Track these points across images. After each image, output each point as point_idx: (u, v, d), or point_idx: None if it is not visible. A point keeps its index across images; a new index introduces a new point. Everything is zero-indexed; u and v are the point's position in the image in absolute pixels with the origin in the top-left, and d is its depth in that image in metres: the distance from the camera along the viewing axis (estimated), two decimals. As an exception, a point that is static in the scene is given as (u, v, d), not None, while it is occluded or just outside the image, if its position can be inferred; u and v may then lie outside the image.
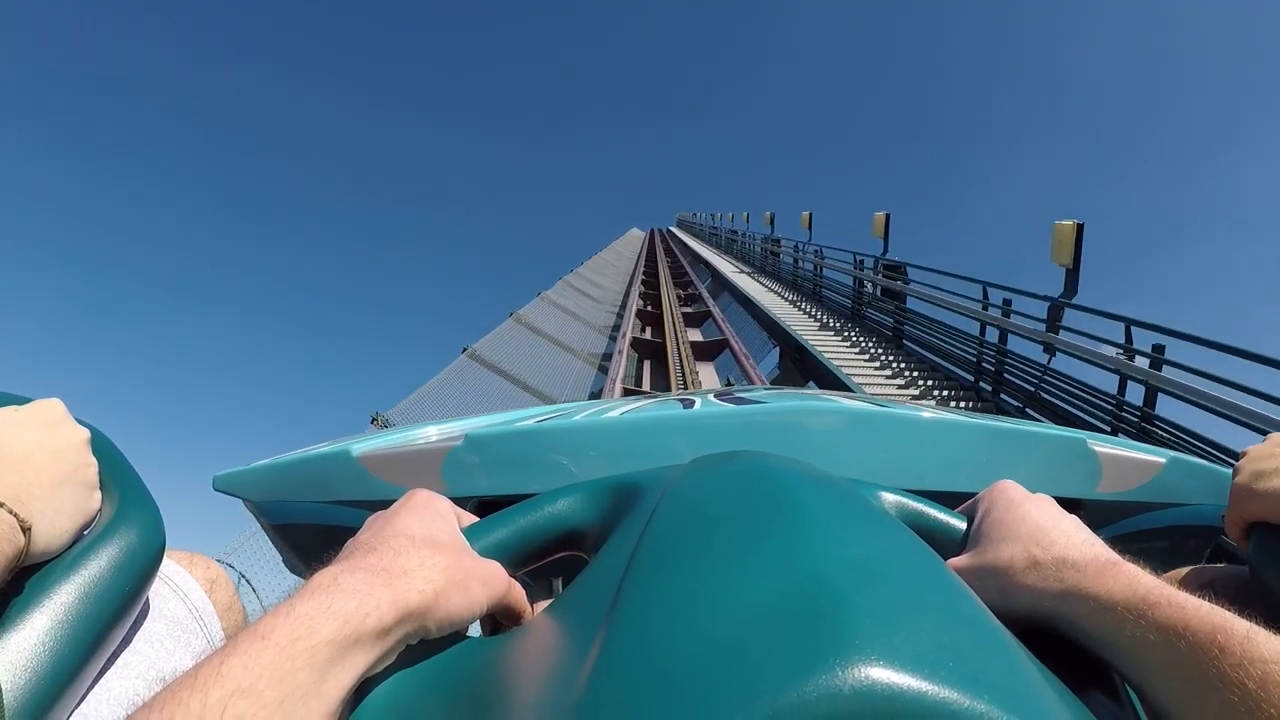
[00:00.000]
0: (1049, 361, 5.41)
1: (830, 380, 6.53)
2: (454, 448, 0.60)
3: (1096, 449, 0.63)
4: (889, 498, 0.40)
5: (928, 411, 0.68)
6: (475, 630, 0.35)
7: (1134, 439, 3.66)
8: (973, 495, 0.42)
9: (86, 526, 0.40)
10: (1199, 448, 3.90)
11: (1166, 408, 4.32)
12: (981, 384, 6.16)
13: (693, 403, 0.72)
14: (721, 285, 15.35)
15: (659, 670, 0.21)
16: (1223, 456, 3.82)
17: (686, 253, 22.84)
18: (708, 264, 18.69)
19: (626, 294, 15.27)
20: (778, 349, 9.47)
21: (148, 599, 0.46)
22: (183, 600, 0.49)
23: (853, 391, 5.93)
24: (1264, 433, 1.88)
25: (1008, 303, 6.02)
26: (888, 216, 8.68)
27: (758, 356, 9.27)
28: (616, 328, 11.79)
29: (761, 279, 14.53)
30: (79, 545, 0.39)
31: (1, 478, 0.35)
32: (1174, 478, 0.64)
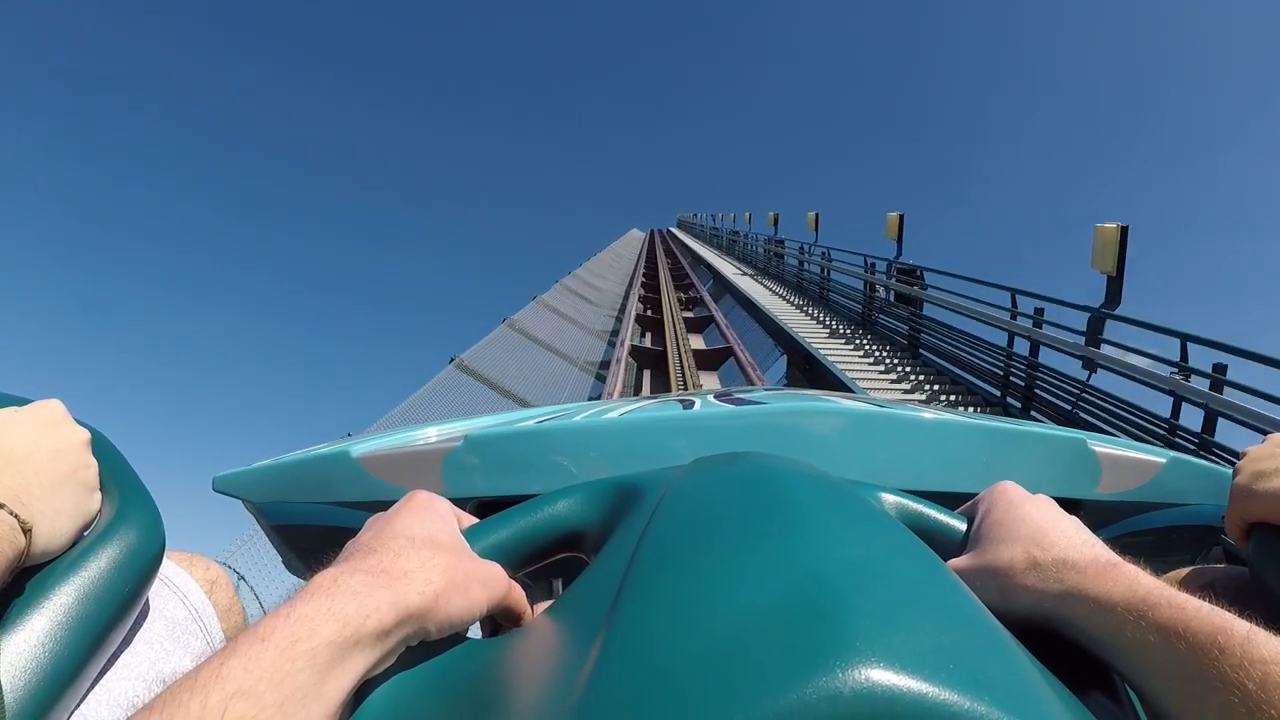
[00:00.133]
0: (1088, 378, 4.94)
1: (842, 391, 6.07)
2: (454, 448, 0.60)
3: (1096, 449, 0.62)
4: (889, 499, 0.40)
5: (928, 412, 0.68)
6: (475, 631, 0.35)
7: None
8: (973, 496, 0.42)
9: (86, 527, 0.40)
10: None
11: (1227, 433, 3.85)
12: (1009, 399, 5.70)
13: (693, 403, 0.71)
14: (724, 288, 14.91)
15: (659, 671, 0.21)
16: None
17: (687, 254, 22.41)
18: (709, 266, 18.25)
19: (626, 297, 14.79)
20: (785, 357, 9.00)
21: (147, 600, 0.45)
22: (182, 601, 0.49)
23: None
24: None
25: (1040, 312, 5.54)
26: (901, 217, 8.21)
27: (764, 364, 8.80)
28: (615, 333, 11.31)
29: (765, 281, 14.07)
30: (79, 546, 0.39)
31: (1, 479, 0.35)
32: (1174, 478, 0.63)
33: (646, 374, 9.16)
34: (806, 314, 10.24)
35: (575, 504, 0.40)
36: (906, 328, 7.71)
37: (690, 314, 12.74)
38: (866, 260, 9.13)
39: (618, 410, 0.70)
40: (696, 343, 10.26)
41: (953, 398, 6.13)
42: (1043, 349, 5.47)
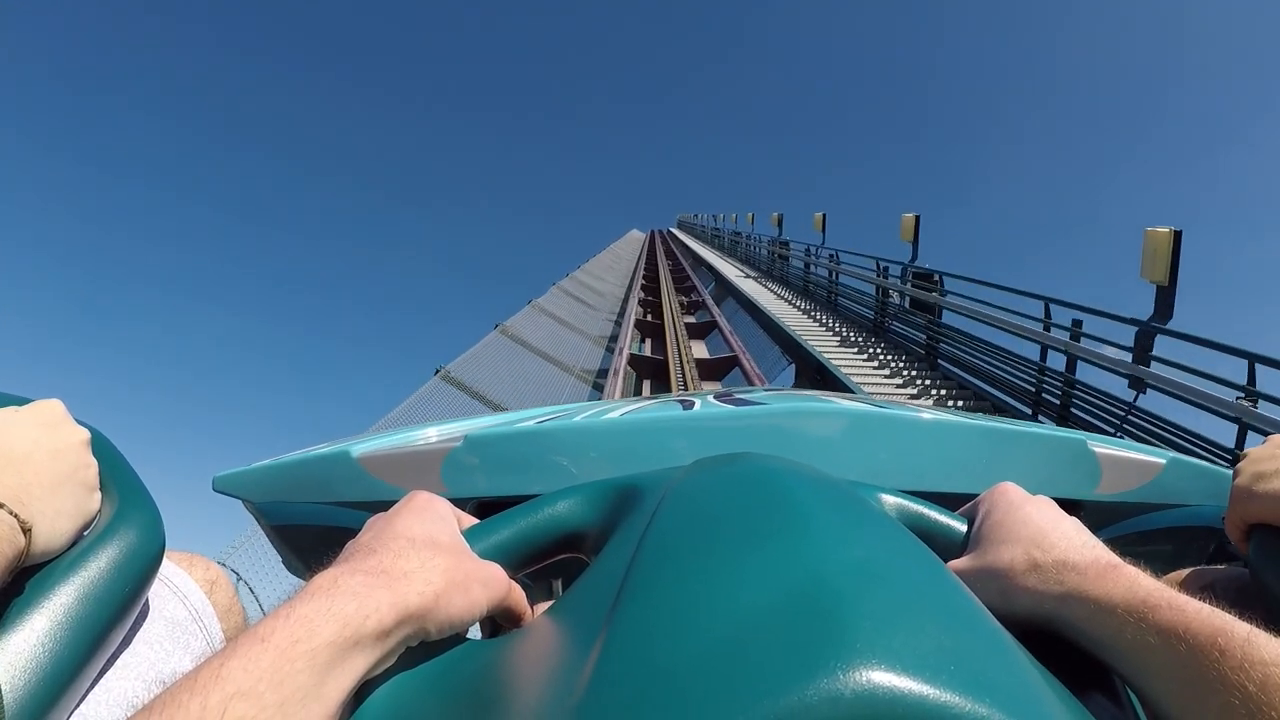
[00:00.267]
0: (1135, 399, 4.46)
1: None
2: (454, 449, 0.60)
3: (1096, 450, 0.62)
4: (889, 500, 0.39)
5: (927, 413, 0.68)
6: (475, 632, 0.35)
7: None
8: (973, 496, 0.42)
9: (86, 527, 0.40)
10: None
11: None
12: (1041, 417, 5.22)
13: (692, 404, 0.71)
14: (726, 290, 14.45)
15: (660, 673, 0.21)
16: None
17: (688, 255, 21.98)
18: (710, 267, 17.80)
19: (625, 299, 14.31)
20: (793, 365, 8.52)
21: (147, 600, 0.45)
22: (182, 601, 0.49)
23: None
24: None
25: (1078, 324, 5.06)
26: (917, 219, 7.72)
27: (770, 374, 8.34)
28: (614, 338, 10.82)
29: (769, 284, 13.58)
30: (79, 546, 0.39)
31: (2, 479, 0.35)
32: (1174, 479, 0.63)
33: (646, 384, 8.69)
34: (814, 319, 9.74)
35: (575, 505, 0.39)
36: (924, 336, 7.23)
37: (692, 318, 12.29)
38: (879, 264, 8.64)
39: (618, 410, 0.70)
40: (699, 350, 9.81)
41: (976, 413, 5.66)
42: (1080, 364, 4.99)
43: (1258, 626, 0.24)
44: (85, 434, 0.42)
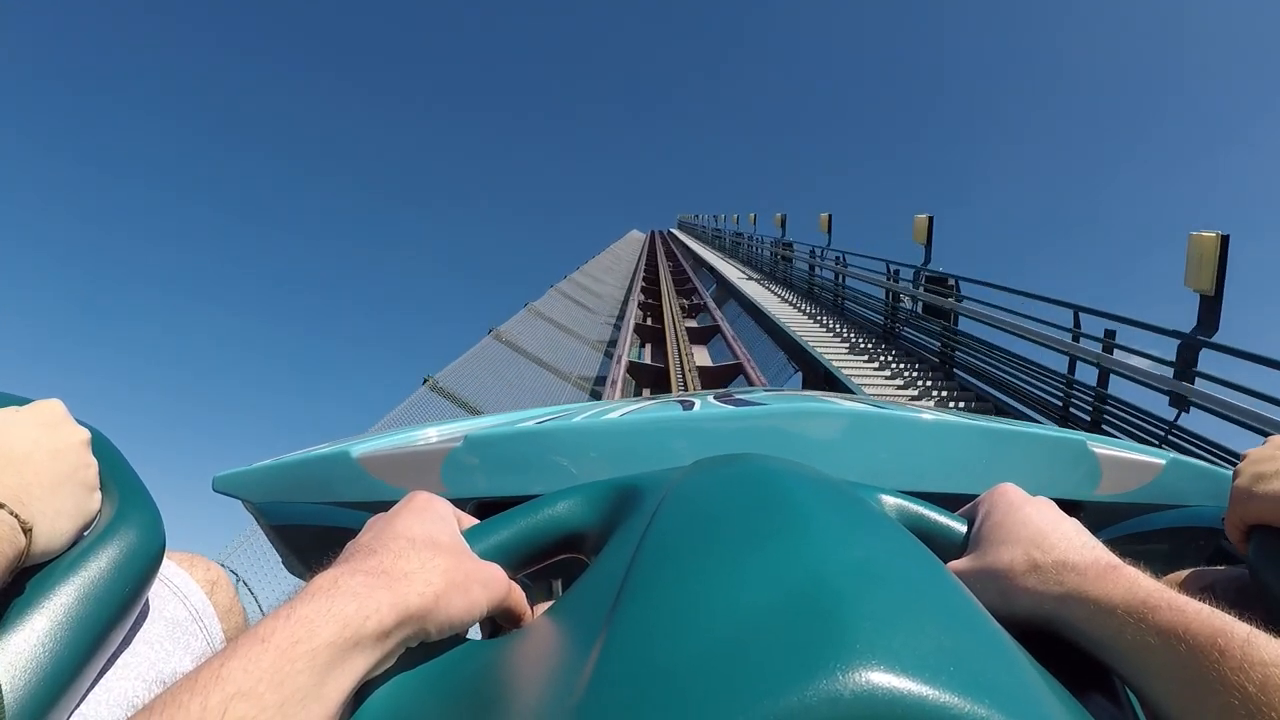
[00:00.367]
0: (1177, 417, 4.11)
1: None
2: (454, 449, 0.60)
3: (1096, 450, 0.62)
4: (889, 500, 0.39)
5: (927, 413, 0.68)
6: (476, 632, 0.35)
7: None
8: (973, 497, 0.42)
9: (86, 527, 0.40)
10: None
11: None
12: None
13: (693, 404, 0.71)
14: (728, 292, 14.09)
15: (659, 673, 0.21)
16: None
17: (689, 256, 21.64)
18: (712, 269, 17.43)
19: (625, 302, 13.92)
20: (799, 374, 8.16)
21: (148, 600, 0.45)
22: (183, 602, 0.49)
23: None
24: None
25: (1111, 335, 4.71)
26: (931, 220, 7.37)
27: (776, 381, 7.99)
28: (613, 344, 10.46)
29: (772, 286, 13.19)
30: (79, 546, 0.39)
31: (2, 479, 0.35)
32: (1174, 479, 0.63)
33: (646, 393, 8.33)
34: (820, 324, 9.33)
35: (575, 505, 0.39)
36: (939, 344, 6.87)
37: (694, 322, 11.88)
38: (889, 266, 8.28)
39: (618, 411, 0.69)
40: (701, 357, 9.42)
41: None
42: (1112, 378, 4.64)
43: (1257, 627, 0.24)
44: (85, 434, 0.42)
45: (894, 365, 7.03)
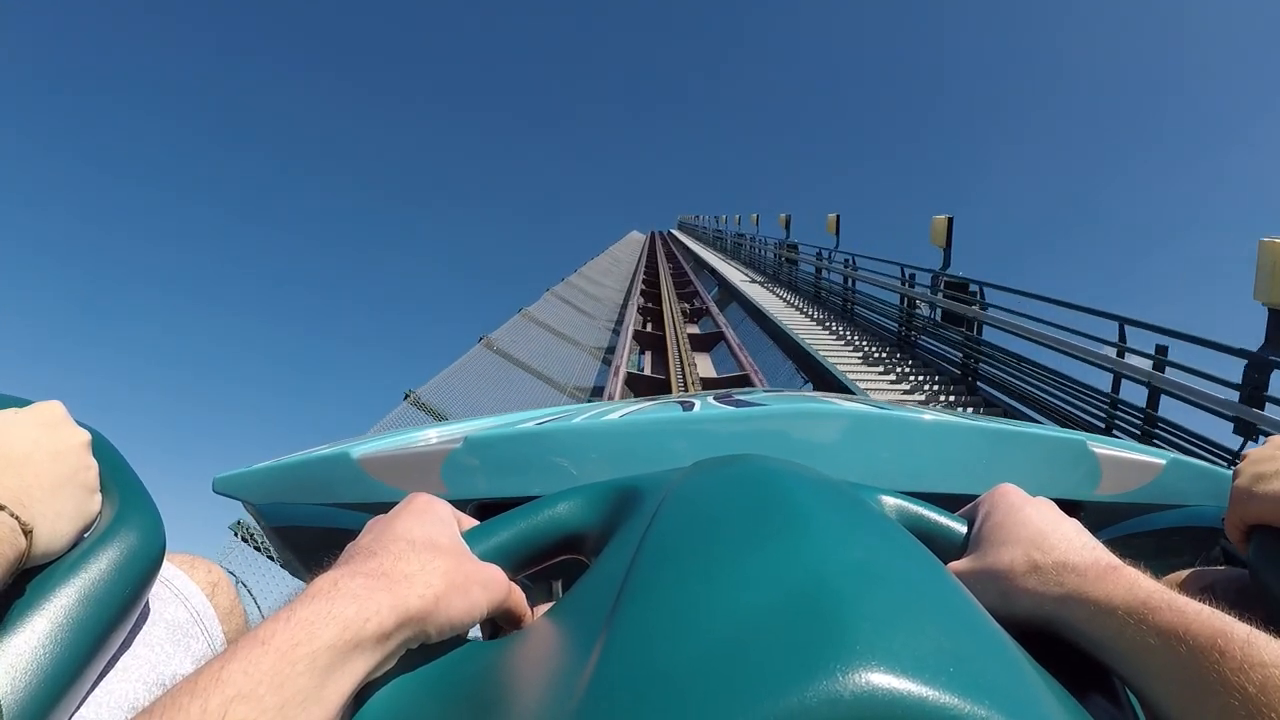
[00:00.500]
0: (1243, 446, 3.63)
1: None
2: (453, 450, 0.59)
3: (1096, 450, 0.62)
4: (889, 501, 0.39)
5: (927, 413, 0.68)
6: (476, 634, 0.35)
7: None
8: (973, 497, 0.42)
9: (87, 529, 0.40)
10: None
11: None
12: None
13: (692, 405, 0.70)
14: (730, 295, 13.57)
15: (660, 674, 0.21)
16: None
17: (689, 257, 21.19)
18: (713, 271, 16.93)
19: (624, 306, 13.42)
20: (809, 385, 7.69)
21: (148, 602, 0.45)
22: (184, 604, 0.49)
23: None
24: None
25: (1163, 351, 4.24)
26: (950, 221, 6.90)
27: (785, 394, 7.44)
28: (612, 349, 9.99)
29: (776, 290, 12.70)
30: (79, 548, 0.39)
31: (2, 480, 0.35)
32: (1174, 479, 0.63)
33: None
34: (829, 330, 8.82)
35: (575, 506, 0.39)
36: (960, 355, 6.40)
37: (696, 328, 11.36)
38: (904, 270, 7.81)
39: (618, 412, 0.69)
40: (705, 366, 8.90)
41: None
42: (1163, 398, 4.17)
43: (1258, 628, 0.24)
44: (86, 436, 0.42)
45: (912, 377, 6.56)
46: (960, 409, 5.56)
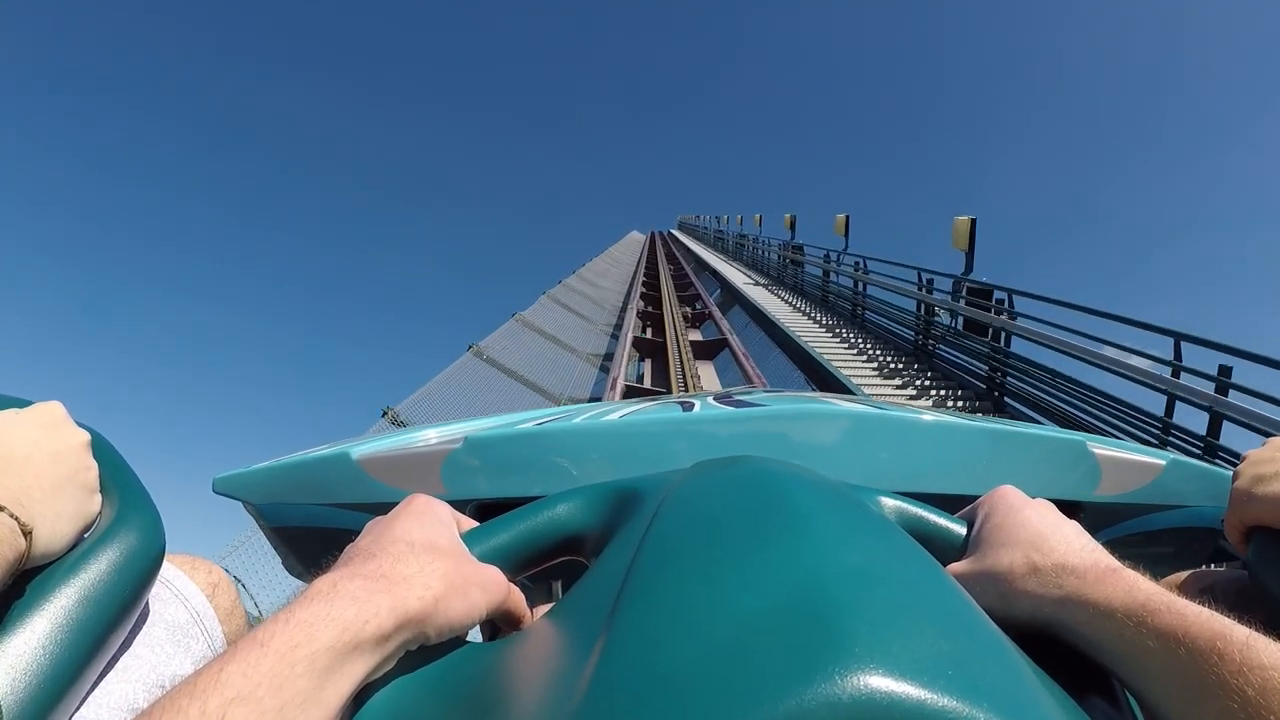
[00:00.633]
0: None
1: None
2: (453, 450, 0.59)
3: (1096, 451, 0.62)
4: (889, 503, 0.39)
5: (927, 414, 0.67)
6: (475, 635, 0.35)
7: None
8: (973, 498, 0.41)
9: (87, 530, 0.40)
10: None
11: None
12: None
13: (692, 405, 0.70)
14: (733, 298, 13.10)
15: (659, 677, 0.21)
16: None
17: (690, 258, 20.75)
18: (715, 272, 16.44)
19: (623, 310, 12.93)
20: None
21: (148, 603, 0.45)
22: (184, 604, 0.49)
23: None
24: None
25: (1226, 371, 3.77)
26: (973, 223, 6.42)
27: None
28: (610, 356, 9.51)
29: (780, 293, 12.23)
30: (79, 549, 0.39)
31: (2, 481, 0.35)
32: (1174, 480, 0.63)
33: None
34: (839, 337, 8.35)
35: (575, 508, 0.39)
36: (986, 367, 5.92)
37: (698, 335, 10.88)
38: (921, 275, 7.34)
39: (618, 412, 0.68)
40: (708, 376, 8.41)
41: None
42: (1226, 424, 3.70)
43: (1257, 630, 0.24)
44: (86, 436, 0.42)
45: (933, 391, 6.11)
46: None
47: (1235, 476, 0.48)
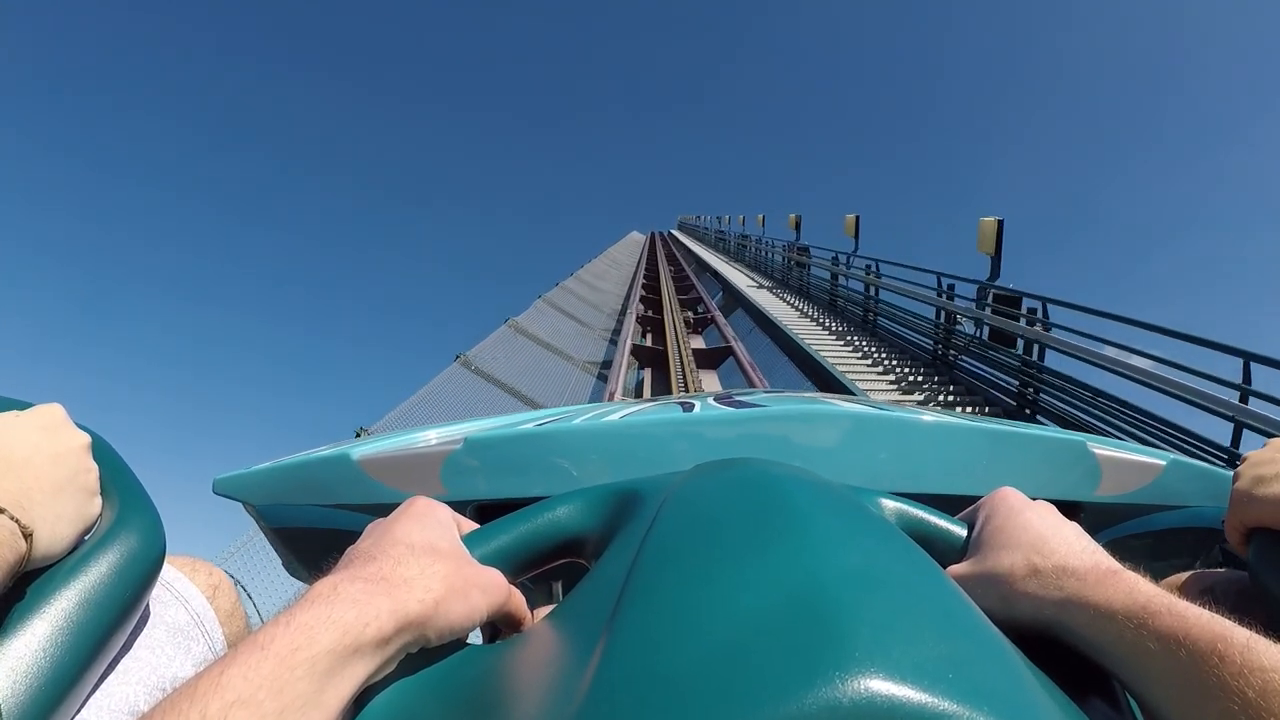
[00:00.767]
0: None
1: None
2: (453, 451, 0.59)
3: (1096, 451, 0.62)
4: (889, 505, 0.39)
5: (927, 414, 0.67)
6: (476, 637, 0.36)
7: None
8: (973, 498, 0.42)
9: (87, 532, 0.40)
10: None
11: None
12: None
13: (692, 406, 0.70)
14: (736, 301, 12.63)
15: (660, 679, 0.21)
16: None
17: (691, 259, 20.34)
18: (716, 273, 15.99)
19: (622, 314, 12.44)
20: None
21: (148, 605, 0.45)
22: (184, 606, 0.48)
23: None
24: None
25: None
26: (1000, 224, 5.95)
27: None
28: (608, 364, 9.04)
29: (786, 296, 11.77)
30: (79, 551, 0.39)
31: (2, 483, 0.35)
32: (1174, 480, 0.62)
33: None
34: (850, 345, 7.85)
35: (576, 510, 0.39)
36: (1016, 382, 5.45)
37: (701, 341, 10.36)
38: (940, 280, 6.87)
39: (618, 413, 0.68)
40: (712, 389, 7.96)
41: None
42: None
43: (1258, 631, 0.24)
44: (86, 438, 0.42)
45: (958, 407, 5.62)
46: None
47: (1236, 477, 0.49)
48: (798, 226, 13.12)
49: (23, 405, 0.42)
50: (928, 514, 0.39)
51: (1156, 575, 0.30)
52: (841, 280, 9.66)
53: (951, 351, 6.45)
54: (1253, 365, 3.59)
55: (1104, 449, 0.61)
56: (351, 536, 0.32)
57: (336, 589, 0.26)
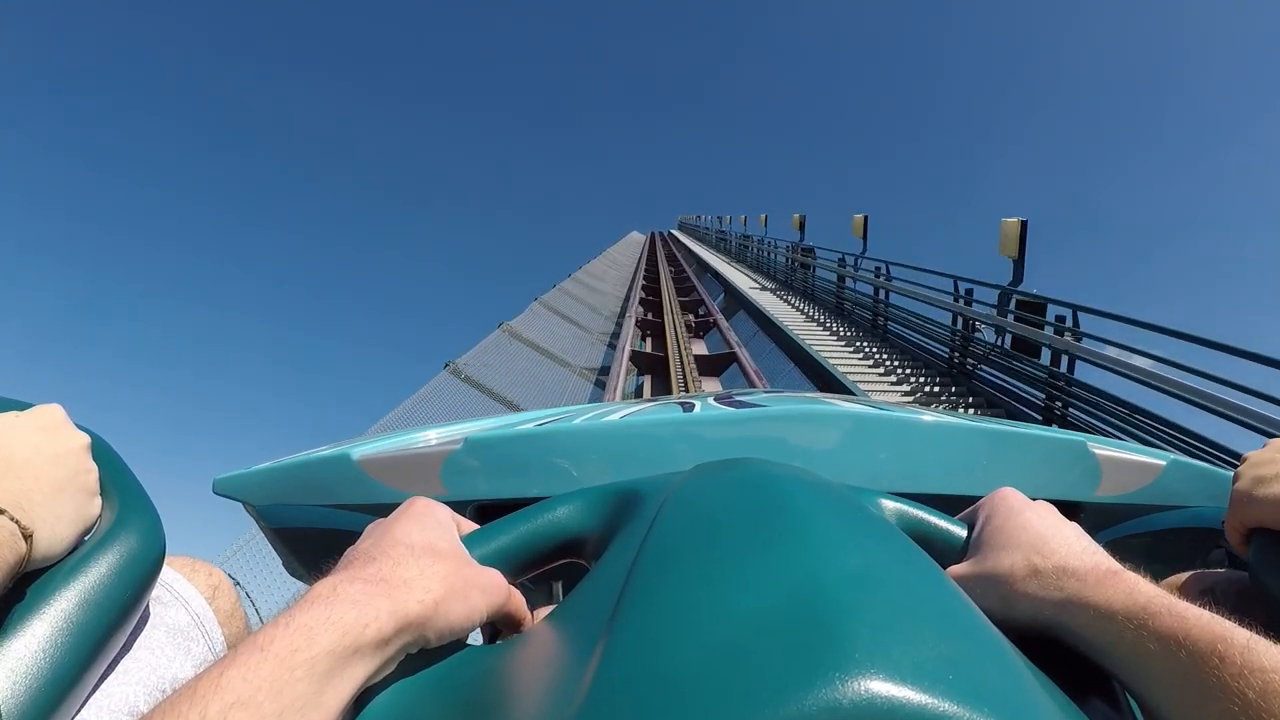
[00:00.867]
0: None
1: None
2: (453, 451, 0.59)
3: (1096, 451, 0.62)
4: (889, 505, 0.39)
5: (927, 414, 0.67)
6: (476, 638, 0.35)
7: None
8: (973, 498, 0.41)
9: (87, 532, 0.40)
10: None
11: None
12: None
13: (693, 406, 0.70)
14: (737, 303, 12.28)
15: (659, 680, 0.21)
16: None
17: (691, 260, 20.01)
18: (717, 274, 15.63)
19: (621, 317, 12.07)
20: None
21: (148, 606, 0.45)
22: (184, 607, 0.49)
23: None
24: None
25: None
26: (1024, 225, 5.59)
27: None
28: (606, 370, 8.67)
29: (790, 298, 11.42)
30: (79, 551, 0.39)
31: (2, 484, 0.35)
32: (1174, 480, 0.62)
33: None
34: (860, 351, 7.51)
35: (575, 510, 0.39)
36: (1043, 395, 5.09)
37: (703, 347, 9.96)
38: (957, 284, 6.50)
39: (618, 413, 0.68)
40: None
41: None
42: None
43: (1258, 632, 0.24)
44: (85, 439, 0.42)
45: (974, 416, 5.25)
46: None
47: (1236, 478, 0.49)
48: (802, 227, 12.76)
49: (22, 406, 0.42)
50: (927, 514, 0.39)
51: (1156, 575, 0.30)
52: (849, 283, 9.30)
53: (970, 360, 6.08)
54: (1252, 365, 3.28)
55: (1104, 449, 0.62)
56: (351, 537, 0.32)
57: (336, 590, 0.26)
